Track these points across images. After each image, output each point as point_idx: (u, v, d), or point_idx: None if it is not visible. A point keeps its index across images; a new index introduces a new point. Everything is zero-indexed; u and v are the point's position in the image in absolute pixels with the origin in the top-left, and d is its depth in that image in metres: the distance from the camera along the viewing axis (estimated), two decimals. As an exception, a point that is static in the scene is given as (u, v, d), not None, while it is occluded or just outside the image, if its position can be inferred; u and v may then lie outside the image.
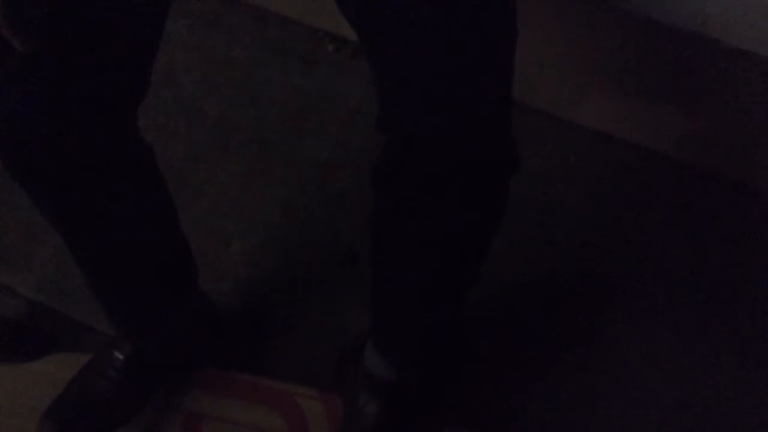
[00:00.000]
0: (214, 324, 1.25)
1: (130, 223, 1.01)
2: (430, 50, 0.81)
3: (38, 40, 0.79)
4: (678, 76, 1.34)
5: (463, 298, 1.04)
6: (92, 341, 1.24)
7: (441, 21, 0.79)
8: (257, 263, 1.33)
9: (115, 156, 0.93)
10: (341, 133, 1.42)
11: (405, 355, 1.09)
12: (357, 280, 1.18)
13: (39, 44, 0.80)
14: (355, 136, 1.41)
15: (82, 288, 1.10)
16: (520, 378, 1.23)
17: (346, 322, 1.26)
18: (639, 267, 1.31)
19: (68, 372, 1.16)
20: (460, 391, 1.22)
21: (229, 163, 1.42)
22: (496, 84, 0.85)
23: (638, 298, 1.29)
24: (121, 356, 1.14)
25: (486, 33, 0.81)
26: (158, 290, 1.11)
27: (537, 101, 1.40)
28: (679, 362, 1.24)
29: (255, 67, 1.49)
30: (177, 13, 0.97)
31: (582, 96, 1.40)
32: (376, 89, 0.87)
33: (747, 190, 1.36)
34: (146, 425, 1.19)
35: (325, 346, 1.24)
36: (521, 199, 0.97)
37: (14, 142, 0.87)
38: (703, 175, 1.37)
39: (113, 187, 0.96)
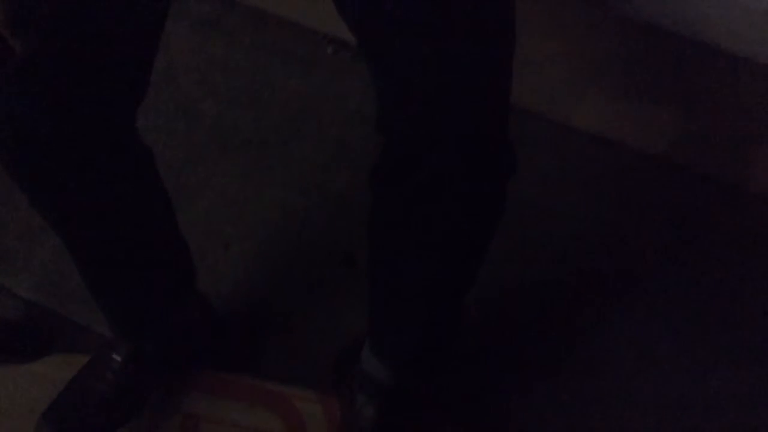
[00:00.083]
0: (212, 325, 1.25)
1: (129, 224, 1.01)
2: (429, 53, 0.81)
3: (38, 41, 0.79)
4: (675, 79, 1.34)
5: (460, 299, 1.04)
6: (90, 342, 1.24)
7: (439, 24, 0.80)
8: (256, 265, 1.33)
9: (114, 157, 0.93)
10: (340, 134, 1.43)
11: (402, 357, 1.09)
12: (355, 282, 1.18)
13: (39, 46, 0.80)
14: (354, 137, 1.42)
15: (81, 289, 1.10)
16: (520, 378, 1.23)
17: (344, 324, 1.26)
18: (637, 268, 1.32)
19: (66, 373, 1.16)
20: (460, 391, 1.22)
21: (227, 164, 1.42)
22: (494, 87, 0.85)
23: (637, 299, 1.29)
24: (119, 358, 1.14)
25: (484, 37, 0.82)
26: (156, 291, 1.11)
27: (535, 104, 1.40)
28: (677, 363, 1.24)
29: (254, 68, 1.49)
30: (177, 15, 0.97)
31: (580, 98, 1.40)
32: (375, 91, 0.87)
33: (744, 192, 1.37)
34: (144, 426, 1.19)
35: (324, 347, 1.24)
36: (520, 200, 0.97)
37: (14, 142, 0.87)
38: (700, 177, 1.38)
39: (112, 188, 0.96)
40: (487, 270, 1.00)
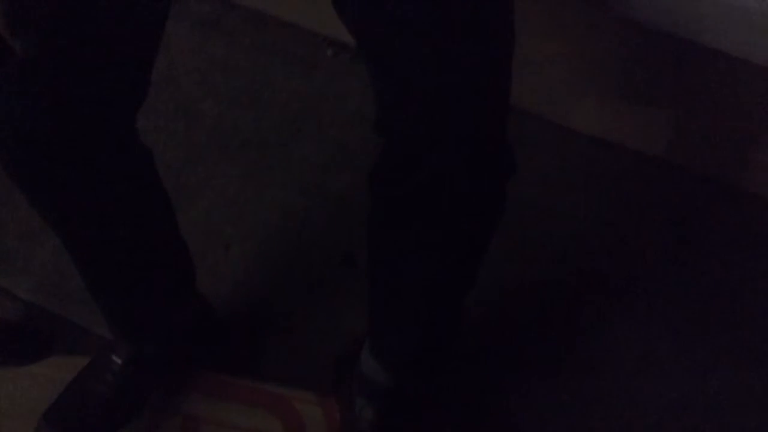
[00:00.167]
0: (212, 326, 1.25)
1: (129, 225, 1.01)
2: (429, 53, 0.81)
3: (38, 42, 0.79)
4: (674, 80, 1.35)
5: (460, 300, 1.04)
6: (91, 344, 1.24)
7: (438, 26, 0.80)
8: (256, 265, 1.33)
9: (114, 157, 0.93)
10: (340, 135, 1.43)
11: (402, 358, 1.09)
12: (355, 282, 1.18)
13: (39, 46, 0.80)
14: (353, 138, 1.42)
15: (81, 290, 1.10)
16: (520, 378, 1.23)
17: (344, 325, 1.26)
18: (637, 269, 1.32)
19: (66, 374, 1.16)
20: (460, 392, 1.22)
21: (227, 165, 1.42)
22: (493, 87, 0.85)
23: (636, 299, 1.29)
24: (119, 359, 1.14)
25: (483, 39, 0.82)
26: (156, 292, 1.11)
27: (535, 104, 1.40)
28: (677, 363, 1.24)
29: (254, 69, 1.49)
30: (177, 16, 0.97)
31: (579, 99, 1.40)
32: (374, 92, 0.87)
33: (744, 192, 1.37)
34: (144, 428, 1.18)
35: (324, 347, 1.24)
36: (520, 201, 0.98)
37: (14, 142, 0.87)
38: (699, 177, 1.38)
39: (112, 189, 0.96)
40: (487, 270, 1.00)
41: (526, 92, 1.34)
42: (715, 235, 1.34)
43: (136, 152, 0.98)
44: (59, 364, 1.23)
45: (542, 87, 1.39)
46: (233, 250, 1.35)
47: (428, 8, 0.80)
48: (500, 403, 1.21)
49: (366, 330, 1.10)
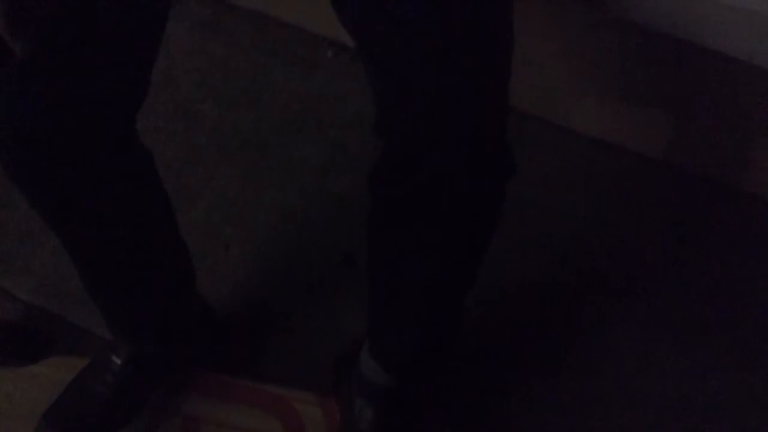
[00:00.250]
0: (212, 326, 1.25)
1: (129, 225, 1.01)
2: (427, 55, 0.81)
3: (38, 42, 0.79)
4: (674, 80, 1.35)
5: (460, 300, 1.04)
6: (90, 344, 1.24)
7: (438, 26, 0.80)
8: (256, 266, 1.33)
9: (114, 158, 0.93)
10: (340, 136, 1.43)
11: (401, 359, 1.09)
12: (355, 282, 1.18)
13: (39, 46, 0.80)
14: (353, 139, 1.42)
15: (81, 290, 1.10)
16: (520, 378, 1.23)
17: (344, 325, 1.26)
18: (637, 269, 1.32)
19: (66, 375, 1.16)
20: (460, 392, 1.22)
21: (227, 166, 1.42)
22: (493, 87, 0.85)
23: (636, 300, 1.29)
24: (119, 360, 1.14)
25: (482, 40, 0.82)
26: (156, 293, 1.11)
27: (534, 105, 1.40)
28: (677, 363, 1.24)
29: (254, 70, 1.49)
30: (177, 17, 0.97)
31: (579, 99, 1.40)
32: (374, 93, 0.87)
33: (743, 192, 1.37)
34: (144, 428, 1.18)
35: (324, 348, 1.24)
36: (520, 201, 0.98)
37: (14, 142, 0.87)
38: (699, 177, 1.38)
39: (111, 189, 0.96)
40: (487, 270, 1.00)
41: (526, 92, 1.34)
42: (715, 235, 1.34)
43: (136, 152, 0.99)
44: (59, 364, 1.23)
45: (542, 87, 1.39)
46: (233, 251, 1.35)
47: (428, 8, 0.80)
48: (500, 403, 1.21)
49: (366, 330, 1.10)
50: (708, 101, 1.34)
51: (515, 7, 0.85)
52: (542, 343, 1.26)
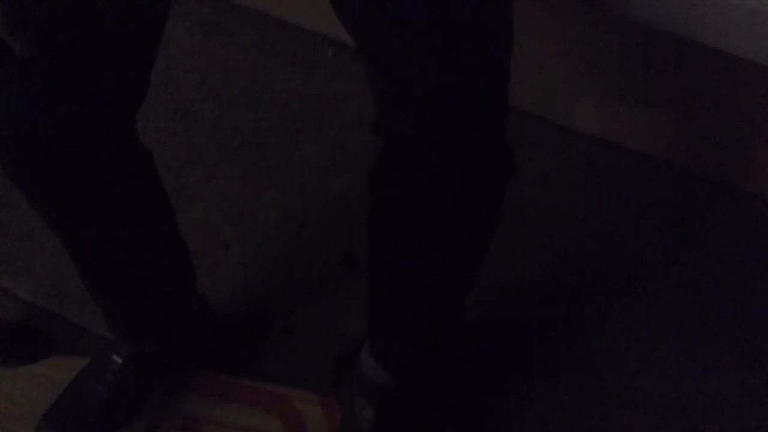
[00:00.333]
0: (212, 326, 1.25)
1: (129, 225, 1.01)
2: (427, 55, 0.81)
3: (38, 42, 0.79)
4: (674, 80, 1.35)
5: (460, 300, 1.04)
6: (91, 344, 1.24)
7: (438, 26, 0.80)
8: (256, 266, 1.33)
9: (114, 158, 0.93)
10: (340, 136, 1.43)
11: (401, 359, 1.09)
12: (355, 282, 1.18)
13: (39, 46, 0.80)
14: (353, 139, 1.42)
15: (81, 290, 1.10)
16: (520, 378, 1.23)
17: (344, 324, 1.26)
18: (637, 269, 1.32)
19: (66, 375, 1.16)
20: (460, 392, 1.22)
21: (227, 166, 1.42)
22: (492, 89, 0.85)
23: (636, 299, 1.29)
24: (119, 360, 1.14)
25: (483, 39, 0.82)
26: (156, 292, 1.11)
27: (534, 104, 1.40)
28: (677, 363, 1.24)
29: (254, 70, 1.49)
30: (177, 16, 0.97)
31: (579, 99, 1.40)
32: (373, 93, 0.87)
33: (744, 192, 1.37)
34: (144, 428, 1.19)
35: (324, 347, 1.24)
36: (520, 201, 0.98)
37: (13, 143, 0.87)
38: (699, 177, 1.38)
39: (111, 189, 0.96)
40: (487, 270, 1.00)
41: (526, 92, 1.34)
42: (715, 235, 1.34)
43: (136, 152, 0.99)
44: (59, 364, 1.23)
45: (542, 87, 1.39)
46: (233, 250, 1.35)
47: (428, 8, 0.79)
48: (500, 403, 1.21)
49: (366, 330, 1.10)
50: (708, 101, 1.34)
51: (515, 7, 0.84)
52: (542, 343, 1.26)
